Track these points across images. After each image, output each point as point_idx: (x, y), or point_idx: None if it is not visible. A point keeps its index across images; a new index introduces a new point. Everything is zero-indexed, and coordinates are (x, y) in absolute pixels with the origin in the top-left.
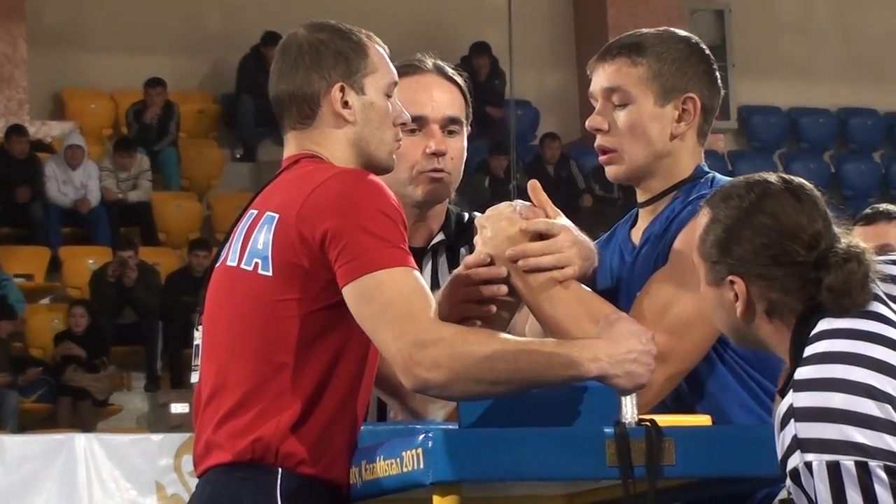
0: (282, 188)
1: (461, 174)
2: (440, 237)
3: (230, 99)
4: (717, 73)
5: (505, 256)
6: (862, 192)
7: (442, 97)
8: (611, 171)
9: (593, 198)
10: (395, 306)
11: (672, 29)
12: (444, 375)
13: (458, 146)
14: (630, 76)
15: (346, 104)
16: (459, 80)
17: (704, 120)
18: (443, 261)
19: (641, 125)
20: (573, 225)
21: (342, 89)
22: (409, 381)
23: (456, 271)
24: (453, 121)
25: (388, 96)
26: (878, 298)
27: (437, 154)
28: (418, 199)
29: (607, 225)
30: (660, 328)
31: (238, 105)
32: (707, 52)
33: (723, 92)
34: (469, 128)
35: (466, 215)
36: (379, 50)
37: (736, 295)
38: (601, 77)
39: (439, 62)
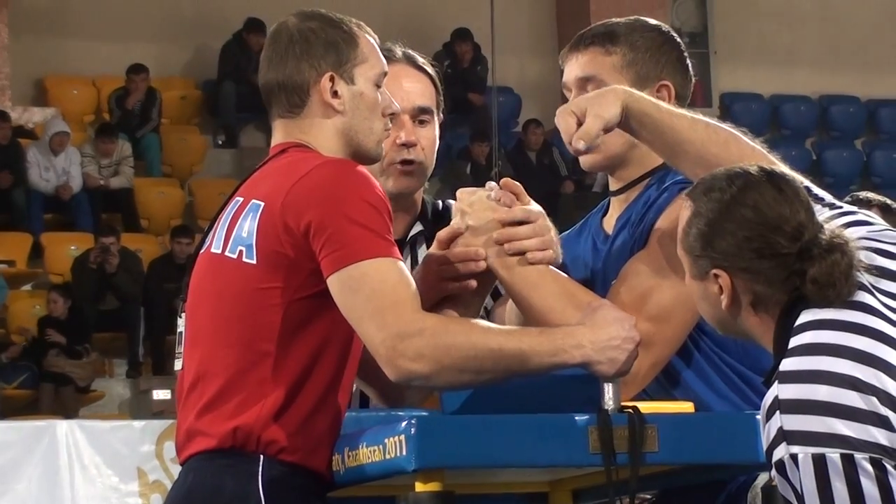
0: (268, 176)
1: (434, 163)
2: (418, 228)
3: (212, 85)
4: (689, 61)
5: (492, 240)
6: (843, 180)
7: (412, 87)
8: (586, 161)
9: (575, 185)
10: (380, 297)
11: (643, 18)
12: (427, 366)
13: (430, 135)
14: (604, 65)
15: (335, 94)
16: (430, 69)
17: (678, 106)
18: (423, 251)
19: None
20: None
21: (332, 79)
22: (393, 373)
23: (430, 250)
24: (424, 110)
25: (378, 86)
26: (863, 288)
27: (408, 145)
28: (391, 189)
29: (588, 212)
30: (641, 315)
31: (220, 91)
32: (678, 39)
33: (694, 80)
34: (441, 116)
35: (441, 203)
36: (369, 40)
37: (721, 288)
38: (574, 67)
39: (409, 51)
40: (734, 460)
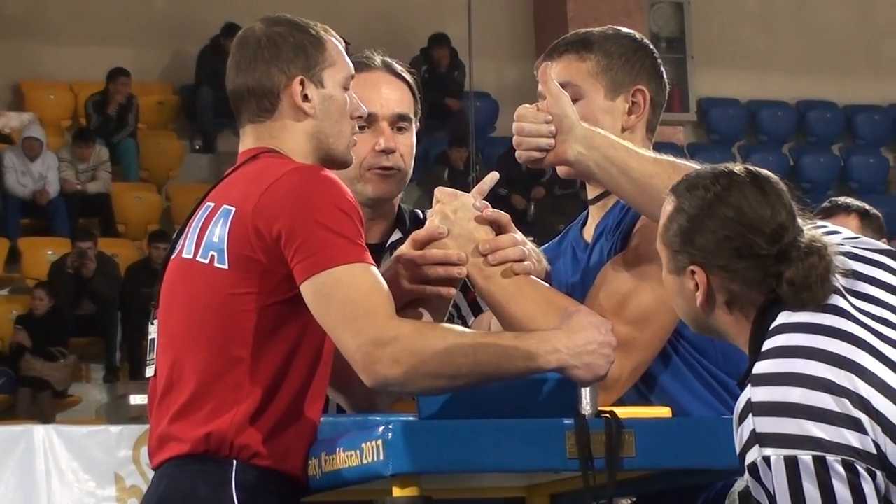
0: (239, 182)
1: (412, 170)
2: (397, 235)
3: (190, 90)
4: (664, 69)
5: (471, 249)
6: (820, 185)
7: (391, 94)
8: (562, 169)
9: (559, 188)
10: (353, 303)
11: (617, 27)
12: (403, 372)
13: (408, 142)
14: (579, 71)
15: (305, 97)
16: (408, 76)
17: (653, 113)
18: None
19: (594, 119)
20: None
21: (302, 83)
22: (369, 379)
23: (401, 250)
24: (402, 117)
25: (346, 89)
26: (838, 292)
27: (387, 151)
28: (369, 195)
29: (571, 217)
30: (621, 319)
31: (197, 96)
32: (652, 47)
33: (669, 87)
34: (419, 124)
35: (420, 212)
36: (336, 43)
37: (696, 285)
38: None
39: (388, 59)
40: (711, 465)
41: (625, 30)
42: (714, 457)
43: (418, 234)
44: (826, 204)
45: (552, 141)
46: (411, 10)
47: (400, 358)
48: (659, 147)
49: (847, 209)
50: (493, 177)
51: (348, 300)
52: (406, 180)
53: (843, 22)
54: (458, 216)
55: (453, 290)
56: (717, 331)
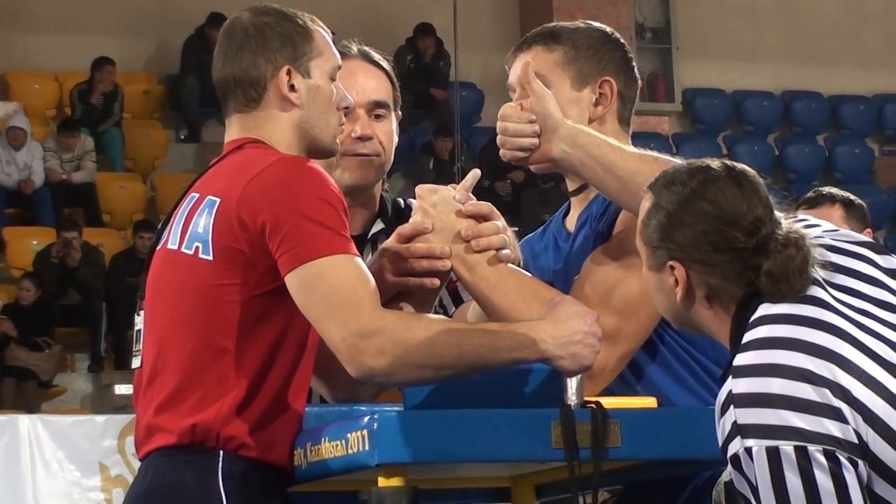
0: (224, 172)
1: (391, 158)
2: (380, 225)
3: (175, 80)
4: (634, 64)
5: (454, 241)
6: (806, 175)
7: (367, 82)
8: (541, 165)
9: (541, 182)
10: (338, 295)
11: (589, 21)
12: (388, 363)
13: (387, 130)
14: (546, 62)
15: (292, 87)
16: (385, 64)
17: (623, 106)
18: None
19: (561, 109)
20: None
21: (289, 72)
22: (354, 370)
23: (386, 244)
24: (379, 104)
25: (333, 80)
26: (818, 284)
27: (363, 138)
28: (347, 182)
29: (558, 208)
30: (606, 309)
31: (182, 86)
32: (623, 42)
33: (640, 82)
34: (399, 113)
35: (402, 201)
36: (323, 34)
37: (676, 280)
38: (518, 67)
39: (365, 48)
40: (698, 456)
41: (597, 24)
42: (700, 447)
43: (403, 229)
44: (810, 194)
45: (536, 140)
46: (397, 0)
47: (385, 349)
48: (644, 137)
49: (831, 199)
50: (475, 174)
51: (333, 291)
52: (385, 168)
53: (828, 12)
54: (438, 210)
55: (437, 282)
56: (698, 326)
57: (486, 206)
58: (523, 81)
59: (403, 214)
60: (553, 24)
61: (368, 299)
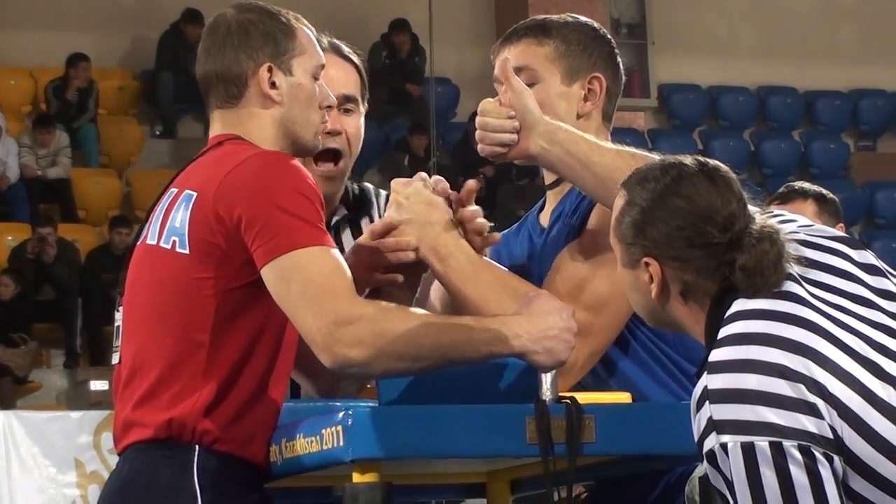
0: (202, 168)
1: (358, 152)
2: (342, 212)
3: (150, 75)
4: (620, 59)
5: (427, 231)
6: (781, 171)
7: (337, 75)
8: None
9: (518, 177)
10: (314, 285)
11: (575, 15)
12: (365, 352)
13: (355, 124)
14: (537, 55)
15: (273, 85)
16: (355, 58)
17: (608, 102)
18: (346, 235)
19: (549, 104)
20: None
21: (270, 70)
22: (330, 360)
23: (359, 240)
24: (349, 98)
25: (315, 78)
26: (791, 278)
27: (333, 133)
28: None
29: (533, 203)
30: (578, 304)
31: (158, 82)
32: (610, 37)
33: (624, 77)
34: (366, 105)
35: (357, 186)
36: (307, 32)
37: (651, 277)
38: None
39: (335, 41)
40: (672, 451)
41: (583, 18)
42: (674, 442)
43: (374, 226)
44: (783, 189)
45: (515, 136)
46: None
47: (363, 338)
48: (620, 133)
49: (804, 194)
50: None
51: (309, 282)
52: (351, 162)
53: (803, 8)
54: (411, 202)
55: (401, 277)
56: (674, 323)
57: (465, 191)
58: (502, 77)
59: (362, 199)
60: (542, 17)
61: (346, 290)
